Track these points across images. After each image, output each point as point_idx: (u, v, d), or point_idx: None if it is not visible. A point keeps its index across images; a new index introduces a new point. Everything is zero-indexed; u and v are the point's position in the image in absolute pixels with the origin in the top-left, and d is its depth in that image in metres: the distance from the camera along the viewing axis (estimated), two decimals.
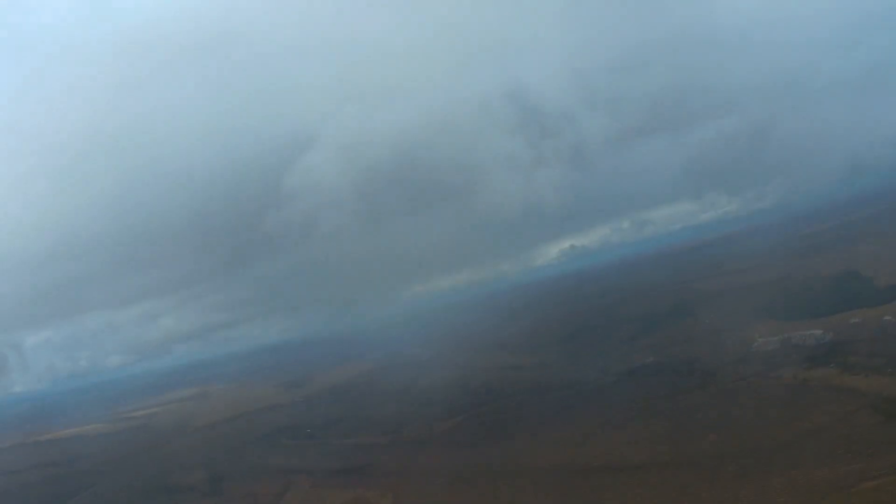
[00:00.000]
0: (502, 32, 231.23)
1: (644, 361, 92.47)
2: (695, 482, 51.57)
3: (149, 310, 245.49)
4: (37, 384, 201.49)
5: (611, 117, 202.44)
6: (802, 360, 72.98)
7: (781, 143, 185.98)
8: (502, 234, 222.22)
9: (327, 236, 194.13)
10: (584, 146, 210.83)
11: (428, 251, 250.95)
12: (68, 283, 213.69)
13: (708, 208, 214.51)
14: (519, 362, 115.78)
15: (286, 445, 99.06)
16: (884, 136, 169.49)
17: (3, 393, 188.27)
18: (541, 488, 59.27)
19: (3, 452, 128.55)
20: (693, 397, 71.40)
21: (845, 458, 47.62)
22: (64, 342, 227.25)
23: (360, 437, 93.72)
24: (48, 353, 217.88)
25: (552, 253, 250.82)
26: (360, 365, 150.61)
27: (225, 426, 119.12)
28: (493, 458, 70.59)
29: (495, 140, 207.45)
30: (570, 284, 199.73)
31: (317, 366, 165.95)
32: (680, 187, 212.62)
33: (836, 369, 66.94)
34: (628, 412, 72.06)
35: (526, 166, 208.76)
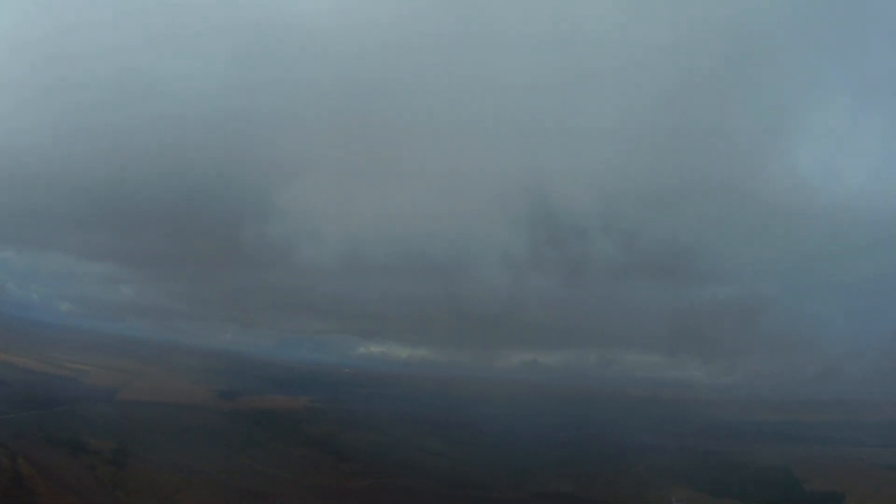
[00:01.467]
0: (542, 130, 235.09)
1: (559, 489, 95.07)
2: None
3: (113, 272, 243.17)
4: None
5: (618, 249, 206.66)
6: None
7: (768, 327, 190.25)
8: (473, 324, 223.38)
9: (305, 267, 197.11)
10: (582, 267, 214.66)
11: (398, 315, 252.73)
12: (43, 215, 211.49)
13: (676, 367, 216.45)
14: (441, 449, 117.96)
15: (197, 448, 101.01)
16: (869, 346, 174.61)
17: None
18: None
19: None
20: None
21: None
22: (21, 269, 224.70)
23: (260, 463, 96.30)
24: (3, 273, 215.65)
25: (514, 360, 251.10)
26: (294, 400, 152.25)
27: (147, 409, 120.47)
28: None
29: (500, 232, 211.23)
30: (521, 395, 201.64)
31: (254, 386, 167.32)
32: (657, 339, 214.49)
33: None
34: None
35: (521, 268, 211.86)
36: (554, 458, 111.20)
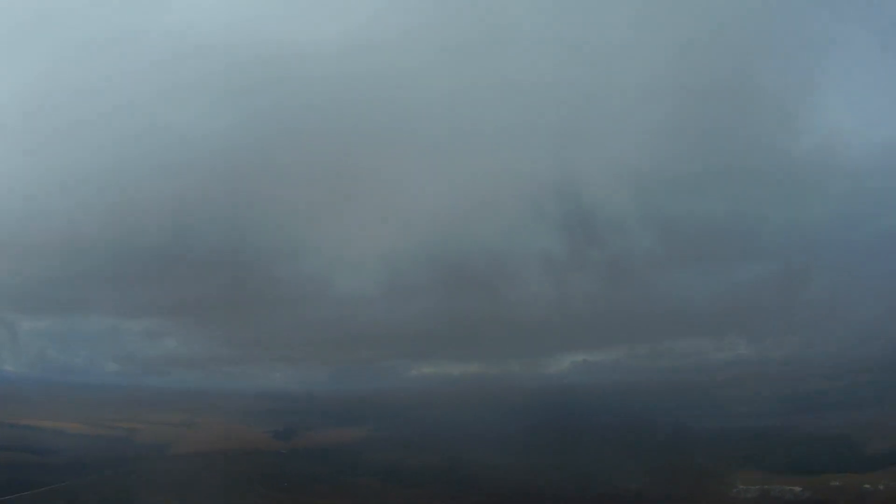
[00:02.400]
0: (567, 128, 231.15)
1: (626, 487, 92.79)
2: None
3: (153, 327, 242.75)
4: (28, 368, 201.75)
5: (658, 239, 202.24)
6: None
7: (813, 295, 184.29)
8: (521, 333, 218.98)
9: (345, 297, 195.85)
10: (624, 262, 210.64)
11: (444, 333, 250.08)
12: (76, 281, 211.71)
13: (725, 348, 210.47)
14: (508, 462, 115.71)
15: (259, 493, 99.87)
16: None
17: None
18: None
19: None
20: None
21: None
22: (63, 336, 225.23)
23: (333, 500, 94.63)
24: (45, 341, 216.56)
25: (564, 363, 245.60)
26: (351, 432, 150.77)
27: (204, 459, 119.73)
28: None
29: (537, 236, 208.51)
30: (575, 397, 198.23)
31: (309, 422, 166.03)
32: (704, 323, 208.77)
33: None
34: None
35: (561, 270, 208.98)
36: (615, 457, 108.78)
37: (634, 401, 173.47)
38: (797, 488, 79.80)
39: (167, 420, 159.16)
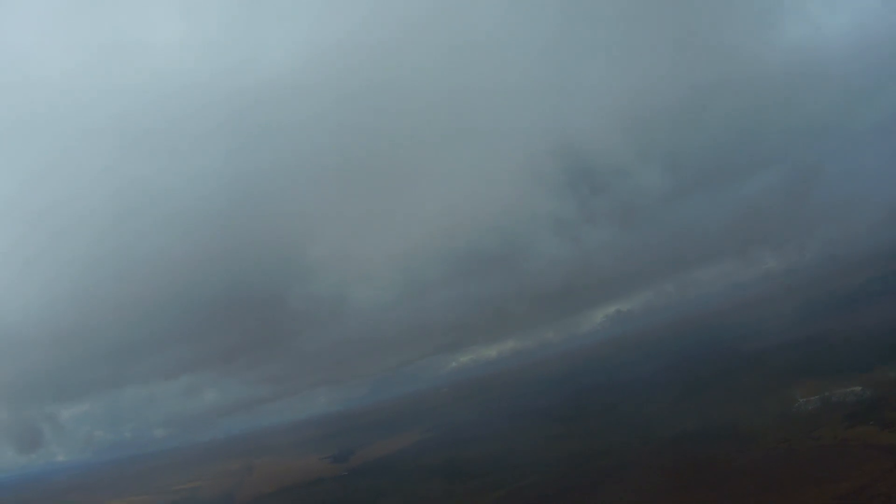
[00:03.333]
0: (549, 85, 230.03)
1: (685, 427, 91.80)
2: None
3: (190, 383, 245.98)
4: (79, 454, 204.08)
5: (660, 174, 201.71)
6: (843, 419, 73.14)
7: (824, 192, 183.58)
8: (547, 299, 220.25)
9: (367, 308, 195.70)
10: (633, 205, 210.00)
11: (473, 321, 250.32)
12: (105, 358, 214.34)
13: (751, 265, 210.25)
14: (561, 431, 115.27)
15: None
16: None
17: (47, 462, 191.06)
18: None
19: None
20: (735, 463, 71.29)
21: None
22: (104, 414, 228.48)
23: None
24: (88, 424, 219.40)
25: (597, 318, 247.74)
26: (404, 438, 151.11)
27: (270, 500, 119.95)
28: None
29: (542, 202, 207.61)
30: (614, 351, 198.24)
31: (361, 439, 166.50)
32: (723, 245, 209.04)
33: (875, 427, 66.81)
34: (671, 480, 71.97)
35: (573, 228, 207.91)
36: (671, 400, 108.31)
37: (674, 339, 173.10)
38: (857, 388, 78.94)
39: (225, 470, 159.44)
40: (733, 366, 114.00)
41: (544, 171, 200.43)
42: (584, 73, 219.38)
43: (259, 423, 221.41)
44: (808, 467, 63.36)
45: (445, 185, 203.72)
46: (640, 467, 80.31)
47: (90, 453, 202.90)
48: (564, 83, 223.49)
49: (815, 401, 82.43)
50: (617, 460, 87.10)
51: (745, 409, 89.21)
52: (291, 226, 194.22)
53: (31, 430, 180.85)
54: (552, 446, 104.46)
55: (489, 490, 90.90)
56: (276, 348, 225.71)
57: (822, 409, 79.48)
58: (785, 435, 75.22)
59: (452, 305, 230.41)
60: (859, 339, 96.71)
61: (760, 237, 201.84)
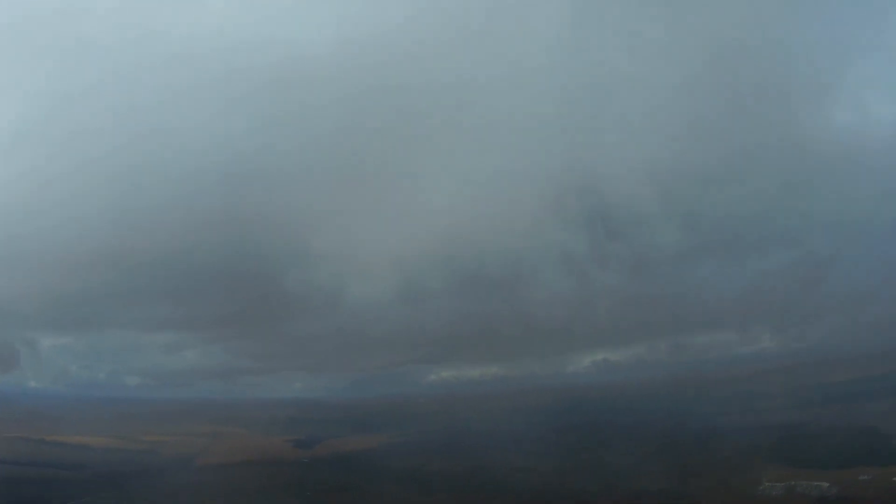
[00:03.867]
0: (585, 124, 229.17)
1: (649, 488, 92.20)
2: None
3: (174, 340, 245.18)
4: (52, 384, 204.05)
5: (678, 231, 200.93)
6: None
7: (836, 281, 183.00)
8: (541, 333, 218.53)
9: (362, 304, 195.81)
10: (645, 256, 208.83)
11: (462, 336, 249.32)
12: (95, 297, 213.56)
13: (748, 341, 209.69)
14: (530, 465, 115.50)
15: (283, 503, 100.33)
16: None
17: (18, 386, 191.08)
18: None
19: (6, 442, 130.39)
20: None
21: None
22: (84, 351, 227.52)
23: None
24: (67, 357, 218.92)
25: (584, 362, 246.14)
26: (374, 438, 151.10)
27: (229, 471, 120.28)
28: None
29: (555, 235, 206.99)
30: (596, 396, 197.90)
31: (330, 430, 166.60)
32: (725, 315, 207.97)
33: None
34: None
35: (582, 268, 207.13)
36: (638, 456, 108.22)
37: (656, 398, 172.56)
38: (824, 483, 79.04)
39: (191, 431, 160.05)
40: (708, 436, 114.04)
41: (562, 205, 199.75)
42: (621, 115, 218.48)
43: (233, 394, 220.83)
44: None
45: (459, 197, 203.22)
46: None
47: (62, 386, 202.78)
48: (598, 122, 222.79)
49: (780, 487, 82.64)
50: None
51: (710, 482, 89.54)
52: (300, 210, 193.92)
53: (9, 349, 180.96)
54: (515, 476, 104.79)
55: None
56: (264, 325, 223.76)
57: (786, 498, 79.70)
58: None
59: (446, 318, 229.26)
60: (838, 435, 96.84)
61: (763, 315, 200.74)
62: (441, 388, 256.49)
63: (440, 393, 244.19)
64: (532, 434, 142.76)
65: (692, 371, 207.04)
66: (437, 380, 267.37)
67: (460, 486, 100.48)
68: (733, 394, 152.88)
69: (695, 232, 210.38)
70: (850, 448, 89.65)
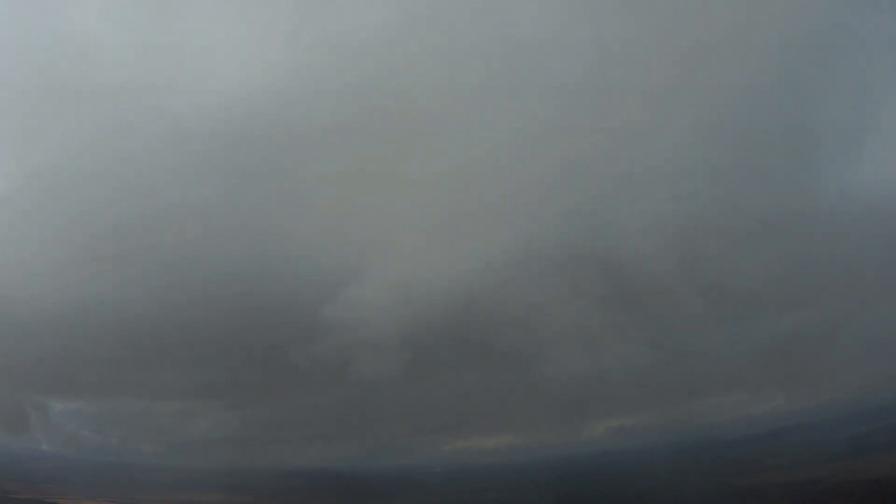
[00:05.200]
0: (596, 186, 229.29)
1: None
2: None
3: (186, 408, 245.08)
4: (63, 448, 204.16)
5: (698, 299, 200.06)
6: None
7: (849, 343, 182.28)
8: (554, 402, 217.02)
9: (366, 377, 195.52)
10: (662, 325, 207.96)
11: (474, 409, 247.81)
12: (107, 363, 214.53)
13: (761, 402, 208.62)
14: None
15: None
16: None
17: (29, 450, 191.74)
18: None
19: None
20: None
21: None
22: (96, 416, 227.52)
23: None
24: (78, 422, 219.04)
25: (599, 429, 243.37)
26: None
27: None
28: None
29: (568, 304, 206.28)
30: (612, 464, 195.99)
31: (344, 501, 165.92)
32: (740, 378, 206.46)
33: None
34: None
35: (596, 337, 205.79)
36: None
37: (672, 462, 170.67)
38: None
39: (203, 500, 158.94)
40: (723, 495, 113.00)
41: (576, 273, 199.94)
42: (636, 173, 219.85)
43: (246, 462, 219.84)
44: None
45: (469, 267, 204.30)
46: None
47: (74, 450, 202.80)
48: (612, 181, 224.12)
49: None
50: None
51: None
52: (307, 281, 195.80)
53: (20, 413, 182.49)
54: None
55: None
56: (277, 393, 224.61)
57: None
58: None
59: (457, 389, 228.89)
60: (853, 492, 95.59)
61: (777, 377, 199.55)
62: (456, 458, 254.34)
63: (457, 462, 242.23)
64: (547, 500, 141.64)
65: (706, 434, 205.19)
66: (452, 450, 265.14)
67: None
68: (749, 455, 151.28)
69: (713, 298, 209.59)
70: (868, 501, 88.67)
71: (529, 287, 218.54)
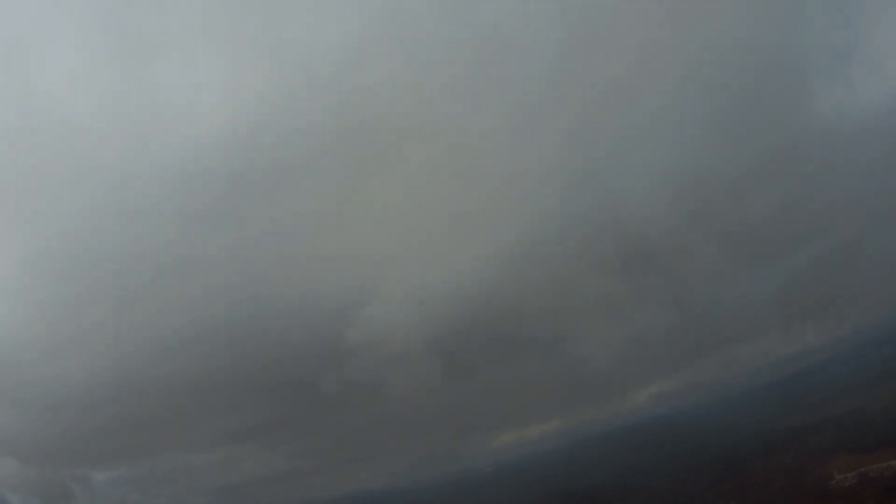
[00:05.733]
0: (606, 155, 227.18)
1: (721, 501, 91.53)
2: None
3: (229, 455, 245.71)
4: None
5: (714, 249, 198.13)
6: (880, 494, 72.11)
7: (866, 264, 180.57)
8: (592, 380, 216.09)
9: (400, 392, 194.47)
10: (683, 284, 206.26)
11: (514, 402, 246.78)
12: (143, 426, 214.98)
13: (792, 341, 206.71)
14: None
15: None
16: None
17: None
18: None
19: None
20: None
21: None
22: (140, 479, 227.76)
23: None
24: (123, 487, 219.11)
25: (640, 398, 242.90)
26: None
27: None
28: None
29: (591, 281, 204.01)
30: (656, 430, 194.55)
31: None
32: (767, 320, 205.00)
33: None
34: None
35: (623, 308, 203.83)
36: (708, 482, 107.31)
37: (715, 417, 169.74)
38: (894, 462, 77.58)
39: None
40: (770, 444, 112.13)
41: (595, 248, 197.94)
42: (635, 129, 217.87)
43: (299, 495, 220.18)
44: None
45: (486, 260, 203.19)
46: None
47: None
48: (617, 153, 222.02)
49: (852, 477, 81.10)
50: None
51: (782, 489, 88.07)
52: (328, 310, 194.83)
53: (63, 490, 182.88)
54: None
55: None
56: (314, 424, 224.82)
57: (860, 485, 78.20)
58: None
59: (494, 386, 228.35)
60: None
61: (802, 312, 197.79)
62: (505, 454, 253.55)
63: (506, 459, 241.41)
64: (601, 482, 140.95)
65: (744, 382, 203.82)
66: (500, 446, 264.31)
67: None
68: (788, 396, 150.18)
69: (727, 245, 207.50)
70: None
71: (548, 269, 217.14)
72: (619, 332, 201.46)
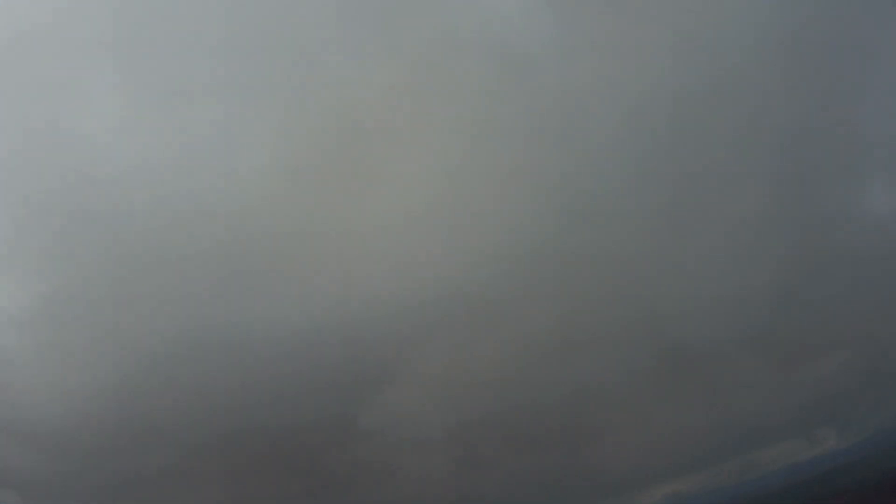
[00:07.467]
0: (646, 259, 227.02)
1: None
2: None
3: None
4: None
5: (749, 357, 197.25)
6: None
7: (891, 370, 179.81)
8: (608, 477, 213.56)
9: (412, 479, 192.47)
10: (715, 388, 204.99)
11: (528, 497, 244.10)
12: (148, 481, 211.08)
13: (814, 445, 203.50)
14: None
15: None
16: None
17: None
18: None
19: None
20: None
21: None
22: None
23: None
24: None
25: (655, 498, 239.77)
26: None
27: None
28: None
29: (618, 379, 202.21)
30: None
31: None
32: (789, 424, 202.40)
33: None
34: None
35: (647, 408, 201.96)
36: None
37: None
38: None
39: None
40: None
41: (629, 352, 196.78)
42: (681, 230, 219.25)
43: None
44: None
45: (513, 351, 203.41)
46: None
47: None
48: (660, 259, 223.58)
49: None
50: None
51: None
52: (345, 384, 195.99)
53: None
54: None
55: None
56: (329, 497, 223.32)
57: None
58: None
59: (508, 482, 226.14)
60: None
61: (827, 417, 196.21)
62: None
63: None
64: None
65: (761, 485, 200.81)
66: None
67: None
68: (806, 498, 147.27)
69: (766, 351, 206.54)
70: None
71: (576, 365, 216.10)
72: (640, 431, 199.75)
